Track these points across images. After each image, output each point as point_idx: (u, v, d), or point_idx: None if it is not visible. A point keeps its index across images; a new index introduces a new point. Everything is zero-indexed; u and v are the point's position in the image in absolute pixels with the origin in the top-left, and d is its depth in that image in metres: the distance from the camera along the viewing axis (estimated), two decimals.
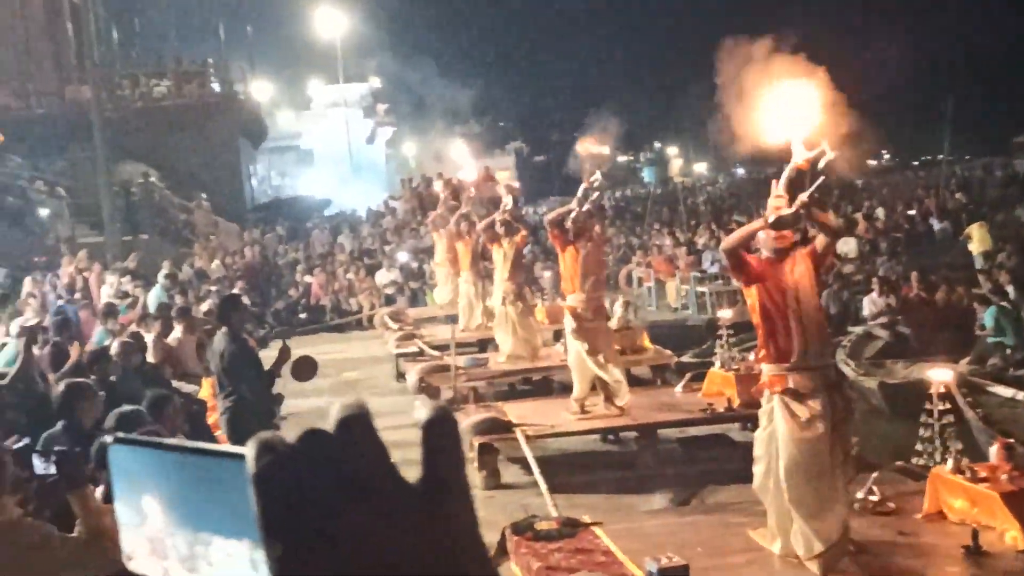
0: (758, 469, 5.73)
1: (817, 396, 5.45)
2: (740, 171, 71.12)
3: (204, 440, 7.54)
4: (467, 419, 9.06)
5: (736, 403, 8.85)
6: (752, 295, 5.65)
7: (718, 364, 9.70)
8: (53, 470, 3.52)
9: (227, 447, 0.70)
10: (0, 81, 29.85)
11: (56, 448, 3.60)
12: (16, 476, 3.48)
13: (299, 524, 0.61)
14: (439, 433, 0.67)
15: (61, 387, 5.84)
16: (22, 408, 7.89)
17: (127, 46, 37.69)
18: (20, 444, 5.39)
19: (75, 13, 31.02)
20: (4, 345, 10.36)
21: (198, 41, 38.85)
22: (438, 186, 19.08)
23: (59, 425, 5.59)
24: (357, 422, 0.64)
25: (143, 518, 0.75)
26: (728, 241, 5.98)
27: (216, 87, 31.68)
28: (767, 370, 5.64)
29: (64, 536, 3.40)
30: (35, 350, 9.05)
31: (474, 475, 8.54)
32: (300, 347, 17.45)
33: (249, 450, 0.64)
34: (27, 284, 17.20)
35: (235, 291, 12.96)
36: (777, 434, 5.50)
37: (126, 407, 5.77)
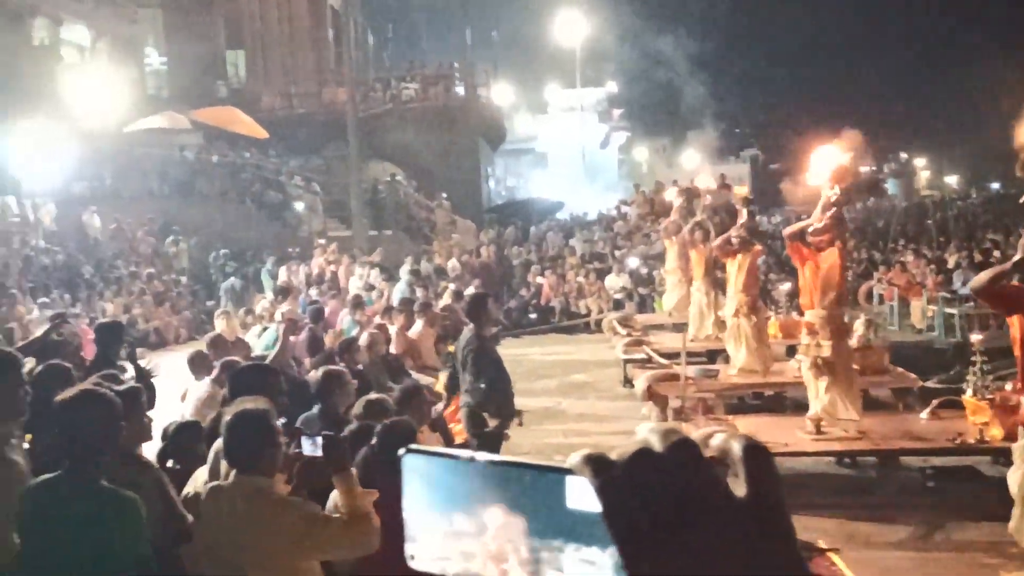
0: (1017, 511, 5.34)
1: None
2: (995, 186, 66.37)
3: (442, 432, 7.86)
4: (696, 431, 8.94)
5: (989, 435, 8.28)
6: (1015, 324, 5.29)
7: (970, 392, 9.10)
8: (319, 452, 3.76)
9: (547, 463, 0.77)
10: (268, 83, 32.19)
11: (324, 432, 3.86)
12: (286, 455, 3.75)
13: (645, 533, 0.69)
14: (758, 457, 0.76)
15: (320, 373, 6.23)
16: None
17: (380, 50, 39.77)
18: (280, 424, 5.81)
19: (336, 20, 33.04)
20: (266, 329, 11.17)
21: (446, 46, 40.47)
22: (671, 193, 18.93)
23: (315, 409, 5.96)
24: (686, 445, 0.73)
25: (445, 523, 0.82)
26: (977, 282, 5.64)
27: (460, 90, 32.83)
28: None
29: (328, 515, 3.63)
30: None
31: None
32: (528, 347, 17.98)
33: (581, 466, 0.71)
34: (282, 273, 18.54)
35: (482, 290, 13.36)
36: None
37: (373, 396, 6.10)
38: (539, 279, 21.49)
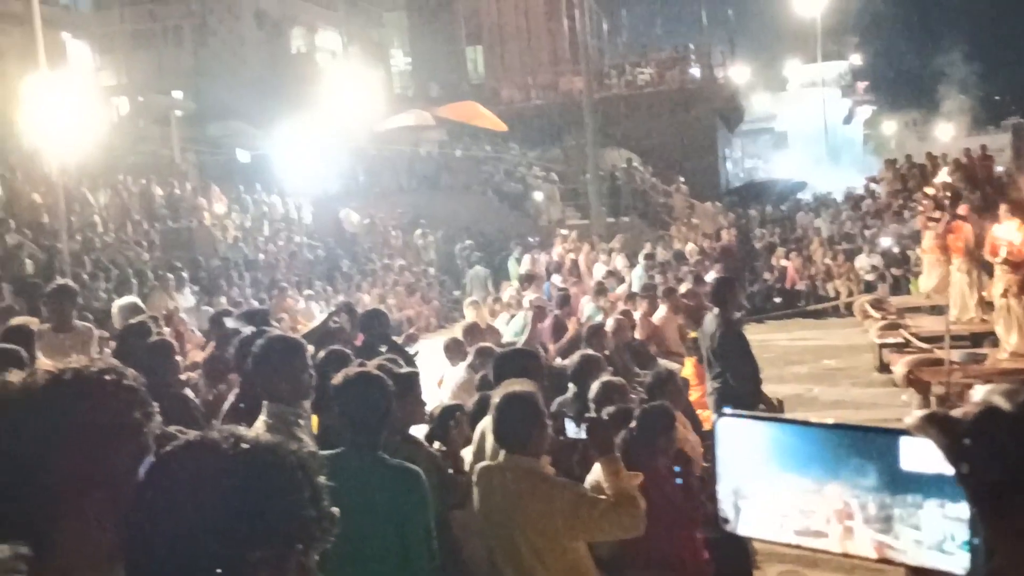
0: None
1: None
2: None
3: (690, 417, 7.79)
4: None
5: None
6: None
7: None
8: (583, 435, 3.83)
9: (877, 426, 0.76)
10: (506, 76, 32.99)
11: (588, 415, 3.93)
12: (551, 438, 3.84)
13: (1006, 490, 0.69)
14: None
15: (577, 357, 6.33)
16: None
17: (615, 36, 39.81)
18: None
19: (570, 10, 33.36)
20: (513, 316, 11.47)
21: (681, 28, 39.97)
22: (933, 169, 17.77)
23: (571, 392, 6.07)
24: None
25: (776, 485, 0.82)
26: None
27: (695, 72, 32.35)
28: None
29: (596, 497, 3.69)
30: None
31: None
32: (774, 332, 17.47)
33: (924, 426, 0.71)
34: (526, 262, 18.96)
35: (727, 275, 13.14)
36: None
37: (609, 378, 6.08)
38: (783, 262, 20.84)
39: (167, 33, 32.84)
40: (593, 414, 4.26)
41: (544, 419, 3.73)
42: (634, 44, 38.53)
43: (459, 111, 26.01)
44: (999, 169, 34.69)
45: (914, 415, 0.73)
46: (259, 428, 4.16)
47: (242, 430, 1.34)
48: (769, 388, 11.04)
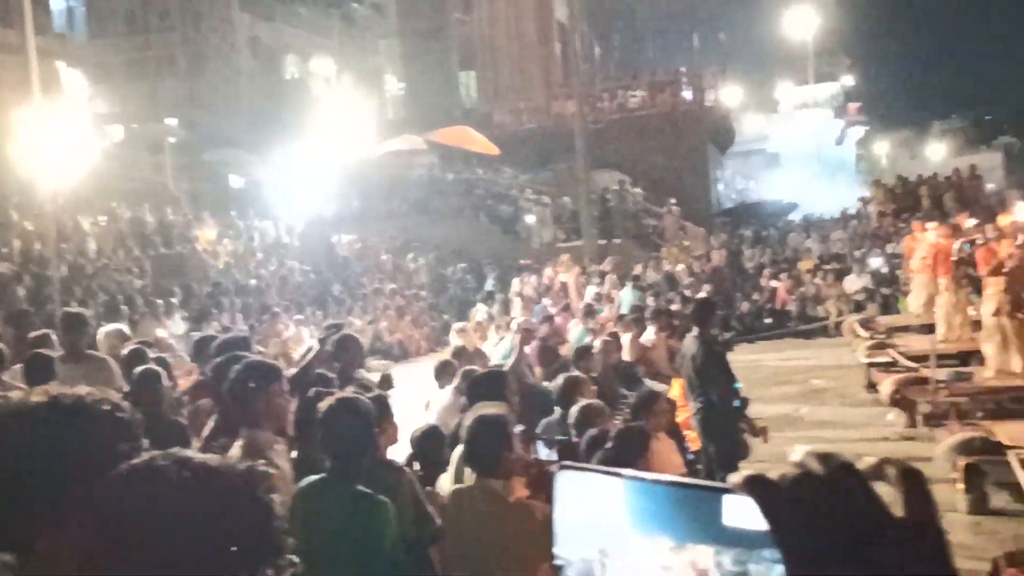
0: None
1: None
2: None
3: (676, 438, 7.84)
4: (950, 437, 8.48)
5: None
6: None
7: None
8: (555, 457, 3.89)
9: (701, 481, 0.81)
10: (498, 100, 33.18)
11: (559, 438, 3.98)
12: (523, 459, 3.89)
13: (814, 550, 0.73)
14: (915, 482, 0.77)
15: (561, 380, 6.38)
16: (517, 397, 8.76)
17: (607, 60, 40.07)
18: (518, 430, 6.01)
19: (563, 33, 33.61)
20: (501, 340, 11.52)
21: (673, 51, 40.20)
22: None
23: (556, 415, 6.13)
24: (848, 468, 0.76)
25: (603, 531, 0.86)
26: None
27: (687, 95, 32.55)
28: None
29: None
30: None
31: (957, 497, 7.97)
32: (764, 352, 17.54)
33: (748, 486, 0.76)
34: (514, 284, 19.04)
35: (705, 295, 13.23)
36: None
37: (588, 401, 6.11)
38: (773, 282, 20.94)
39: (161, 62, 33.06)
40: (564, 437, 4.31)
41: (512, 441, 3.79)
42: (626, 67, 38.76)
43: (451, 136, 26.16)
44: (990, 187, 34.85)
45: (736, 475, 0.78)
46: (235, 454, 4.21)
47: (191, 454, 1.37)
48: (757, 408, 11.11)
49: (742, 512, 0.77)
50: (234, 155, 27.21)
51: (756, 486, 0.75)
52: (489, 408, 3.86)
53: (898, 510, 0.76)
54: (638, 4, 39.30)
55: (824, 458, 0.77)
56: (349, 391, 4.40)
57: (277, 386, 4.28)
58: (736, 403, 8.22)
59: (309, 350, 7.62)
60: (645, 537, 0.84)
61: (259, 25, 33.46)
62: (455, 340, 11.45)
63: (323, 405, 3.81)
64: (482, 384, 5.01)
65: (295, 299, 18.83)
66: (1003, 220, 14.22)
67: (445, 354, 10.34)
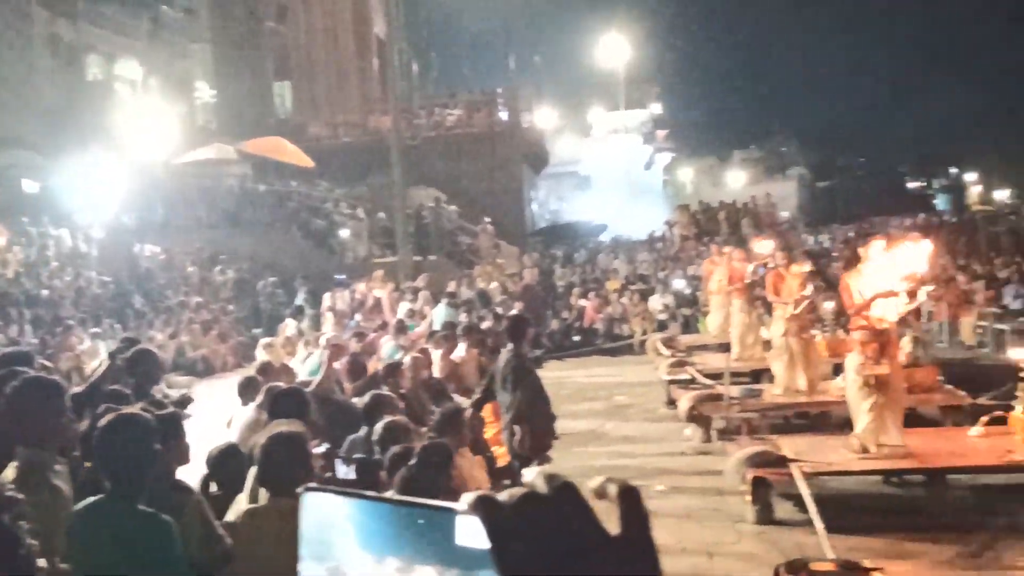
0: None
1: None
2: None
3: (483, 454, 7.89)
4: (740, 451, 8.90)
5: None
6: None
7: (1020, 408, 8.94)
8: (353, 475, 3.82)
9: (437, 502, 0.83)
10: (315, 113, 32.69)
11: (356, 455, 3.92)
12: (323, 478, 3.81)
13: (532, 570, 0.75)
14: (631, 500, 0.82)
15: (368, 397, 6.31)
16: (322, 414, 8.58)
17: (425, 78, 40.19)
18: (322, 448, 5.89)
19: (381, 49, 33.49)
20: (309, 355, 11.30)
21: (490, 71, 40.79)
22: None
23: (362, 432, 6.04)
24: (569, 488, 0.79)
25: (338, 552, 0.87)
26: None
27: (503, 115, 33.06)
28: None
29: None
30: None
31: (745, 509, 8.37)
32: (572, 369, 17.98)
33: (472, 507, 0.77)
34: (326, 299, 18.74)
35: (520, 312, 13.42)
36: None
37: (392, 419, 6.07)
38: (582, 301, 21.49)
39: None
40: (365, 455, 4.26)
41: (308, 460, 3.71)
42: (444, 85, 39.03)
43: (264, 146, 25.53)
44: (784, 214, 37.01)
45: (467, 496, 0.79)
46: (8, 476, 3.94)
47: None
48: (564, 424, 11.35)
49: (474, 532, 0.78)
50: (28, 158, 25.63)
51: (481, 505, 0.76)
52: (285, 426, 3.76)
53: (616, 527, 0.79)
54: (457, 23, 39.71)
55: (550, 478, 0.79)
56: (138, 407, 4.19)
57: (57, 403, 4.04)
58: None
59: (100, 365, 7.26)
60: (375, 558, 0.84)
61: (59, 22, 31.69)
62: (262, 355, 11.15)
63: (101, 423, 3.62)
64: (282, 401, 4.88)
65: (92, 311, 17.85)
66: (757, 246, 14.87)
67: (250, 370, 10.05)
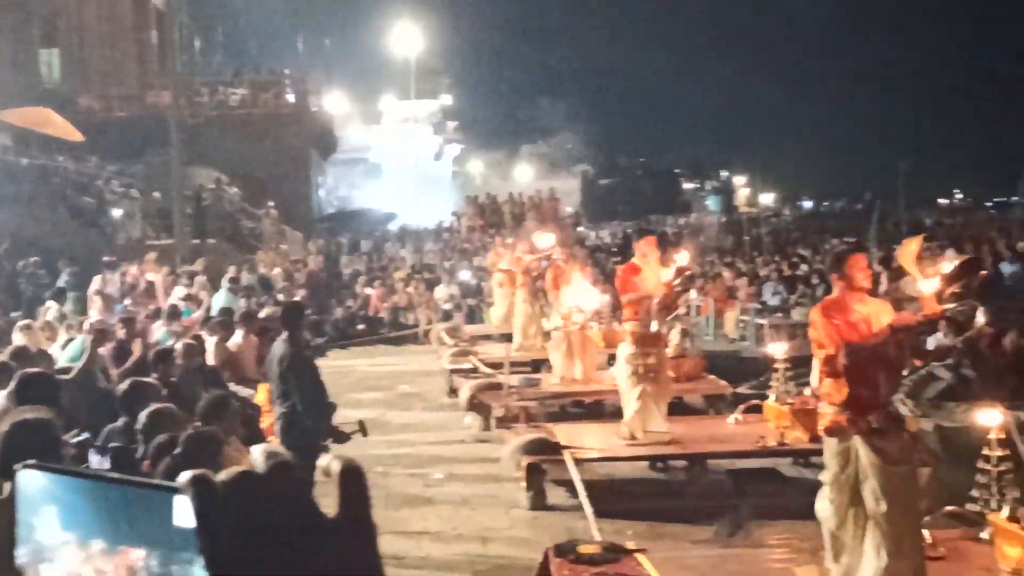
0: (830, 508, 5.48)
1: (900, 433, 5.41)
2: (807, 204, 70.39)
3: (257, 443, 7.67)
4: (517, 438, 9.08)
5: (790, 438, 8.75)
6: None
7: (773, 397, 9.59)
8: (108, 464, 3.61)
9: (156, 481, 0.79)
10: (86, 84, 30.75)
11: (111, 444, 3.71)
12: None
13: (238, 550, 0.74)
14: (352, 481, 0.81)
15: (125, 385, 5.98)
16: (84, 403, 8.09)
17: (209, 55, 38.63)
18: (80, 438, 5.54)
19: (161, 20, 31.91)
20: (71, 340, 10.63)
21: (277, 53, 39.71)
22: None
23: (121, 421, 5.72)
24: (285, 468, 0.78)
25: (41, 533, 0.83)
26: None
27: (291, 98, 32.28)
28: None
29: None
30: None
31: (520, 495, 8.55)
32: (356, 358, 17.81)
33: (189, 485, 0.74)
34: (95, 282, 17.66)
35: (297, 299, 13.14)
36: (867, 472, 5.28)
37: (157, 407, 5.77)
38: (367, 290, 21.33)
39: None
40: (121, 444, 4.03)
41: (57, 449, 3.47)
42: (228, 64, 37.61)
43: (27, 117, 23.65)
44: (567, 209, 38.07)
45: (184, 475, 0.74)
46: None
47: None
48: (345, 413, 11.18)
49: (189, 512, 0.74)
50: None
51: (193, 484, 0.72)
52: (30, 412, 3.50)
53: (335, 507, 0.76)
54: (244, 1, 38.34)
55: (269, 455, 0.76)
56: None
57: None
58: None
59: None
60: (79, 539, 0.79)
61: None
62: (18, 339, 10.38)
63: None
64: (30, 386, 4.55)
65: None
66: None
67: (3, 355, 9.34)
